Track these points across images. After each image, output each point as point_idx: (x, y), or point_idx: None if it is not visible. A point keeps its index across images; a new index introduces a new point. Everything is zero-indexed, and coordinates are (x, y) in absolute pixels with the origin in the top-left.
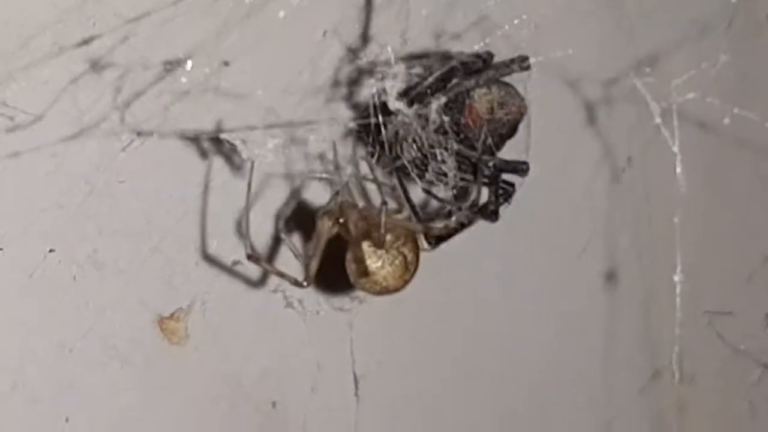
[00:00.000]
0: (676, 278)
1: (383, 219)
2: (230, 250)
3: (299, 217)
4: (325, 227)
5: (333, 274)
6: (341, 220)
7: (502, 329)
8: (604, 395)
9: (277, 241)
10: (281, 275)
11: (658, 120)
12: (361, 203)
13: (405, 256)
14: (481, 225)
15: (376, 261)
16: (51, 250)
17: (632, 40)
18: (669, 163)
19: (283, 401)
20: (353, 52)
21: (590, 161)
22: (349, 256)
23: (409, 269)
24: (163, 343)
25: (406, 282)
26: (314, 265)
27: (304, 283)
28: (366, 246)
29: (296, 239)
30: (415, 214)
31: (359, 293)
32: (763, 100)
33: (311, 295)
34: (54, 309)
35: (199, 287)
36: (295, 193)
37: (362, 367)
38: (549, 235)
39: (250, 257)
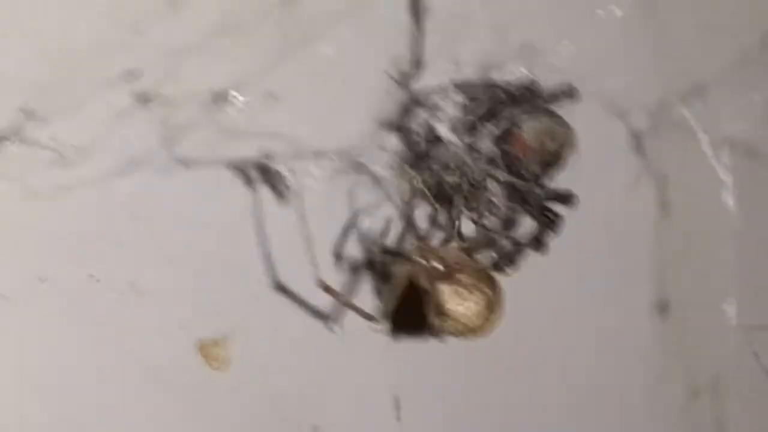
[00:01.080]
0: (730, 309)
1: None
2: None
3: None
4: (403, 271)
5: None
6: (421, 261)
7: (542, 350)
8: (644, 414)
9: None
10: (354, 308)
11: (706, 149)
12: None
13: (488, 295)
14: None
15: (459, 303)
16: (92, 276)
17: (680, 70)
18: (719, 193)
19: (325, 425)
20: (402, 82)
21: (639, 191)
22: (429, 300)
23: (493, 309)
24: (204, 368)
25: (492, 322)
26: (389, 306)
27: (378, 322)
28: (446, 287)
29: None
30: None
31: None
32: None
33: (351, 319)
34: (96, 335)
35: (240, 313)
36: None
37: (403, 390)
38: (598, 267)
39: (324, 288)
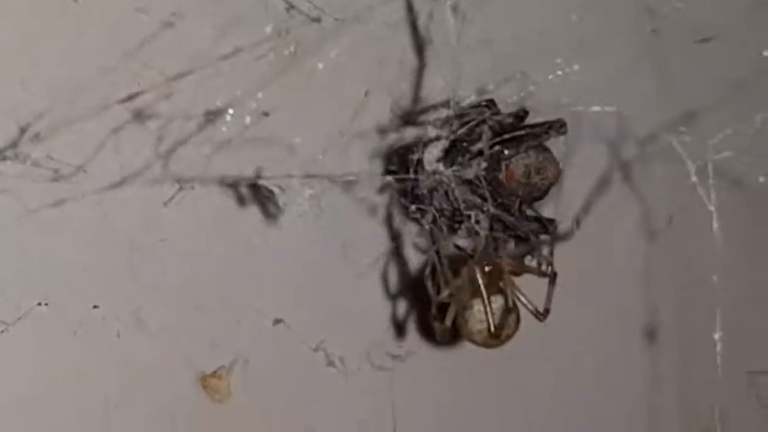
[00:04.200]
0: (716, 336)
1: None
2: (272, 308)
3: None
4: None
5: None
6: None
7: (542, 389)
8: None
9: None
10: None
11: (694, 178)
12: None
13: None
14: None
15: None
16: (95, 307)
17: (668, 99)
18: (706, 221)
19: None
20: (393, 108)
21: (627, 219)
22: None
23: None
24: (206, 401)
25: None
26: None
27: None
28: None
29: None
30: (443, 271)
31: (401, 352)
32: None
33: (353, 354)
34: (98, 365)
35: (241, 345)
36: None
37: (402, 426)
38: (587, 293)
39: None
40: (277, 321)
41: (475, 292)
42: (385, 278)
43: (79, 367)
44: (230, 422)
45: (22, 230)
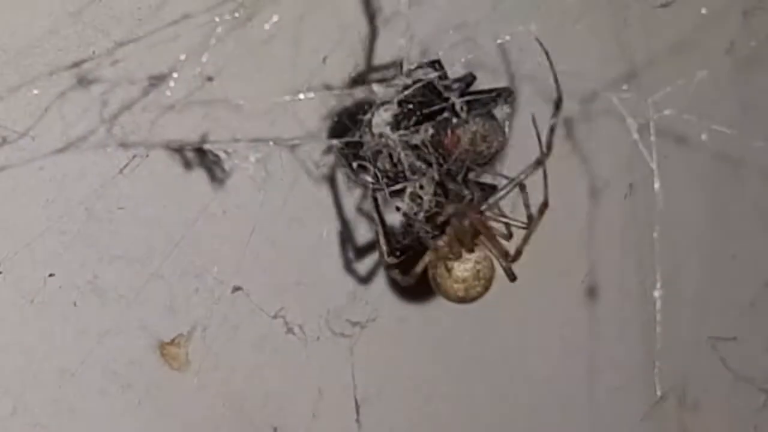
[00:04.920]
0: (656, 294)
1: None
2: (230, 275)
3: None
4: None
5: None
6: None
7: (504, 353)
8: (607, 422)
9: None
10: None
11: (635, 136)
12: None
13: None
14: None
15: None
16: (51, 275)
17: (610, 57)
18: (647, 179)
19: (285, 427)
20: (344, 71)
21: (568, 177)
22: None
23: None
24: (164, 369)
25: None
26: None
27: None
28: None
29: None
30: (386, 233)
31: (360, 318)
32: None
33: (312, 321)
34: (55, 334)
35: (199, 313)
36: None
37: (363, 393)
38: (528, 251)
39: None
40: (236, 289)
41: (463, 244)
42: (339, 243)
43: (36, 335)
44: (189, 390)
45: None
